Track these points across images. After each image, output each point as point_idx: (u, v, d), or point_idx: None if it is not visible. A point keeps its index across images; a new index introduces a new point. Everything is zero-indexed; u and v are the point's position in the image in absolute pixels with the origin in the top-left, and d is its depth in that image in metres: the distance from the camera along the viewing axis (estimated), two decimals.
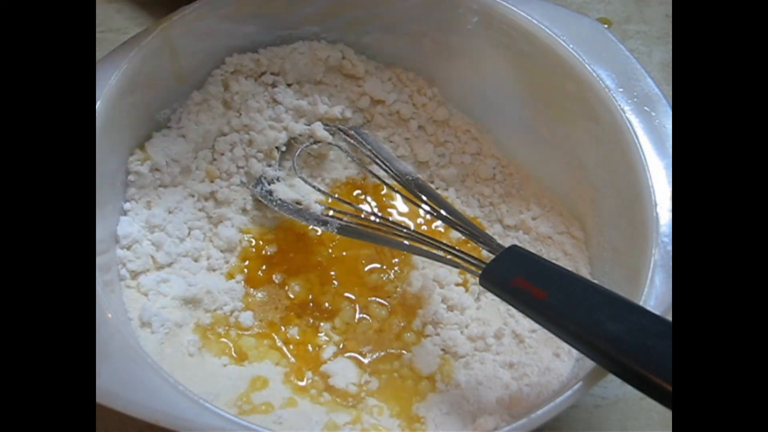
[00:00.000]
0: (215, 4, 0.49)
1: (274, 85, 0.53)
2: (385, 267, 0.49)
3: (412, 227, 0.51)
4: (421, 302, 0.47)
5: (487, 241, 0.44)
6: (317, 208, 0.50)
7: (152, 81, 0.47)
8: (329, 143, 0.53)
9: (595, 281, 0.45)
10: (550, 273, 0.39)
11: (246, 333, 0.46)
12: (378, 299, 0.48)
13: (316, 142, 0.52)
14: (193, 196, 0.50)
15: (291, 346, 0.46)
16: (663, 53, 0.64)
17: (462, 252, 0.44)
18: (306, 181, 0.50)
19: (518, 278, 0.39)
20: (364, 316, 0.47)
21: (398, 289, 0.48)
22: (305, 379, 0.45)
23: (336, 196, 0.52)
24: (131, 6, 0.65)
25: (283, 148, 0.53)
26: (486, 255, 0.44)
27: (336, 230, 0.48)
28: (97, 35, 0.61)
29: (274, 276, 0.49)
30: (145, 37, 0.46)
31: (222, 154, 0.51)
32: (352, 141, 0.53)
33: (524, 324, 0.46)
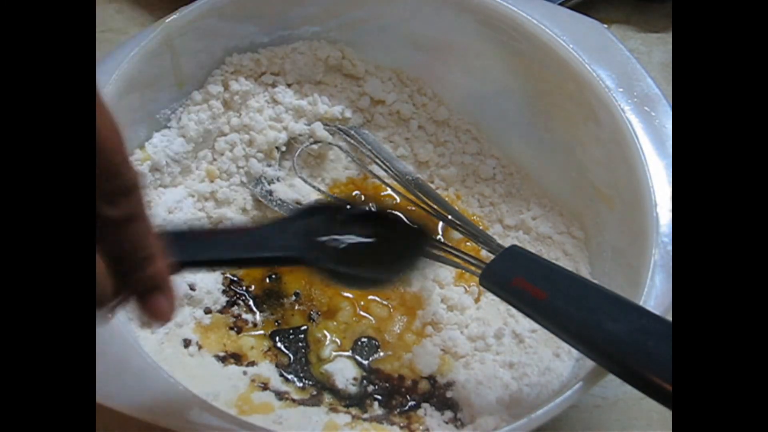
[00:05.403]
0: (215, 4, 0.49)
1: (274, 85, 0.53)
2: None
3: None
4: (421, 302, 0.47)
5: (487, 241, 0.44)
6: None
7: (152, 81, 0.47)
8: (329, 143, 0.52)
9: (595, 281, 0.45)
10: (550, 273, 0.39)
11: (246, 333, 0.46)
12: (378, 299, 0.48)
13: (316, 142, 0.52)
14: (193, 196, 0.50)
15: (291, 346, 0.46)
16: (663, 53, 0.63)
17: (462, 252, 0.44)
18: (306, 181, 0.50)
19: (518, 278, 0.39)
20: (364, 315, 0.47)
21: (398, 289, 0.48)
22: (305, 379, 0.45)
23: (336, 196, 0.52)
24: (131, 6, 0.65)
25: (283, 148, 0.53)
26: (486, 255, 0.44)
27: None
28: (97, 35, 0.61)
29: (273, 276, 0.49)
30: (145, 37, 0.46)
31: (222, 154, 0.51)
32: (352, 141, 0.53)
33: (524, 324, 0.46)
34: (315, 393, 0.44)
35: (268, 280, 0.49)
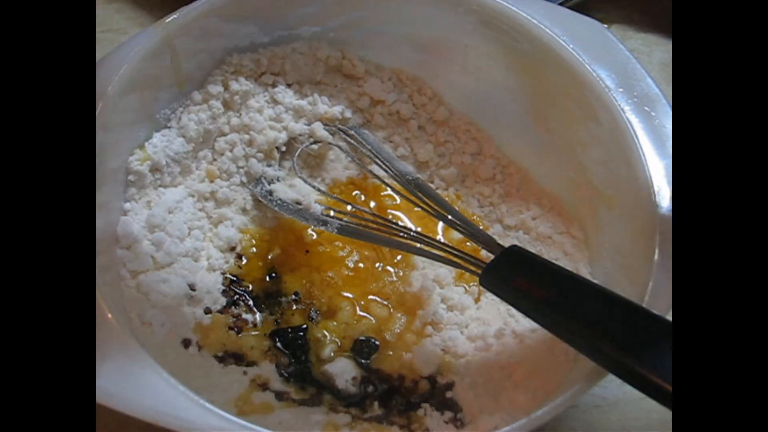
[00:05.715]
0: (215, 4, 0.49)
1: (274, 85, 0.53)
2: (385, 267, 0.49)
3: (412, 227, 0.51)
4: (421, 302, 0.47)
5: (487, 241, 0.44)
6: (317, 208, 0.50)
7: (152, 81, 0.47)
8: (329, 143, 0.53)
9: (595, 281, 0.45)
10: (550, 273, 0.39)
11: (246, 333, 0.46)
12: (378, 299, 0.48)
13: (316, 142, 0.52)
14: (193, 196, 0.50)
15: (291, 346, 0.46)
16: (663, 53, 0.63)
17: (462, 252, 0.44)
18: (306, 181, 0.50)
19: (518, 278, 0.39)
20: (364, 315, 0.47)
21: (398, 289, 0.48)
22: (305, 379, 0.45)
23: (336, 196, 0.52)
24: (131, 6, 0.65)
25: (283, 148, 0.53)
26: (486, 255, 0.44)
27: (336, 230, 0.48)
28: (97, 35, 0.61)
29: (273, 276, 0.49)
30: (145, 37, 0.46)
31: (222, 154, 0.51)
32: (352, 141, 0.53)
33: (524, 324, 0.46)
34: (315, 393, 0.44)
35: (267, 280, 0.49)
